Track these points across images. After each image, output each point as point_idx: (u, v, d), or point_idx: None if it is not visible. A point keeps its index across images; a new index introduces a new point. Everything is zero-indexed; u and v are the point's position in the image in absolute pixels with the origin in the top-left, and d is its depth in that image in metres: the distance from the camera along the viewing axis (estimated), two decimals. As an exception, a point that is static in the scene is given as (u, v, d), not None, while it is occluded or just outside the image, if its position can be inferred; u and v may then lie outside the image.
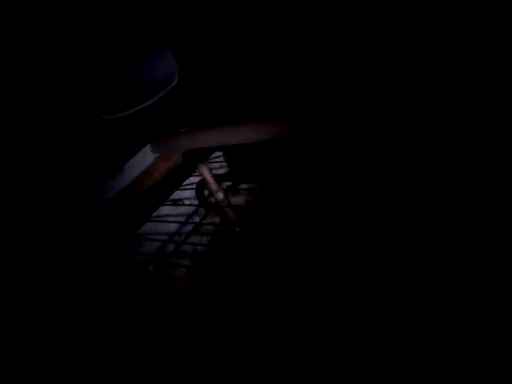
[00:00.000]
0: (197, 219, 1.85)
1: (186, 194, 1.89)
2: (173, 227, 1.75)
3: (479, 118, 0.87)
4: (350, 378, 0.96)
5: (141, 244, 1.67)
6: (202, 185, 1.79)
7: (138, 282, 1.57)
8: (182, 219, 1.79)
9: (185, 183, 1.97)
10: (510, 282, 0.85)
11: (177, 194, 1.96)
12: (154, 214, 1.79)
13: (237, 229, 1.68)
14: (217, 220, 1.81)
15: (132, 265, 1.60)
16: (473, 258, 0.91)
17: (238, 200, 2.12)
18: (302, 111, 1.13)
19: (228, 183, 2.18)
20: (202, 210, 1.87)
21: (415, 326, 0.94)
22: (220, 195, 1.66)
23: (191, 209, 1.82)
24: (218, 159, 2.13)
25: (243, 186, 2.16)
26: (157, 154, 1.87)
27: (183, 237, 1.71)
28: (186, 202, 1.86)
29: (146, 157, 1.85)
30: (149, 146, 1.83)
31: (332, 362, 1.01)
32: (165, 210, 1.80)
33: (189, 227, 1.76)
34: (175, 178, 1.93)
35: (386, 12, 1.36)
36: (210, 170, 1.65)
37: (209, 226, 1.75)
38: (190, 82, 1.82)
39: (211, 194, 1.68)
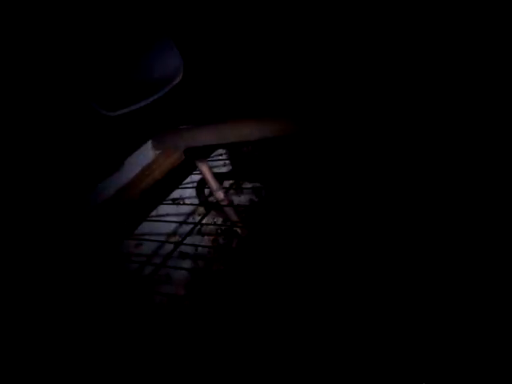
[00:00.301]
0: (197, 219, 1.79)
1: (187, 192, 1.83)
2: (172, 227, 1.69)
3: (479, 117, 0.86)
4: (350, 378, 0.96)
5: (139, 244, 1.61)
6: (202, 183, 1.72)
7: (134, 285, 1.51)
8: (181, 219, 1.73)
9: (186, 181, 1.90)
10: (510, 281, 0.85)
11: (177, 193, 1.90)
12: (152, 213, 1.73)
13: (238, 229, 1.61)
14: (218, 220, 1.75)
15: (129, 266, 1.55)
16: (473, 258, 0.91)
17: (240, 199, 2.05)
18: (307, 108, 1.08)
19: (231, 181, 2.11)
20: (203, 210, 1.81)
21: (415, 326, 0.93)
22: (220, 194, 1.59)
23: (192, 208, 1.76)
24: (220, 157, 2.06)
25: (246, 184, 2.09)
26: (158, 151, 1.81)
27: (182, 237, 1.64)
28: (187, 201, 1.79)
29: (146, 154, 1.79)
30: (150, 142, 1.77)
31: (332, 362, 1.00)
32: (164, 209, 1.74)
33: (189, 227, 1.70)
34: (176, 176, 1.87)
35: (390, 11, 1.30)
36: (210, 167, 1.58)
37: (210, 226, 1.68)
38: (193, 78, 1.77)
39: (212, 192, 1.61)
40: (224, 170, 2.07)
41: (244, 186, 2.09)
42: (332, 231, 1.42)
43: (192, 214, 1.77)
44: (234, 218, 1.62)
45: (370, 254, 1.18)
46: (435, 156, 0.96)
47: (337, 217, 1.44)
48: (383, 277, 1.09)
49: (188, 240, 1.56)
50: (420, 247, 1.03)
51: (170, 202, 1.81)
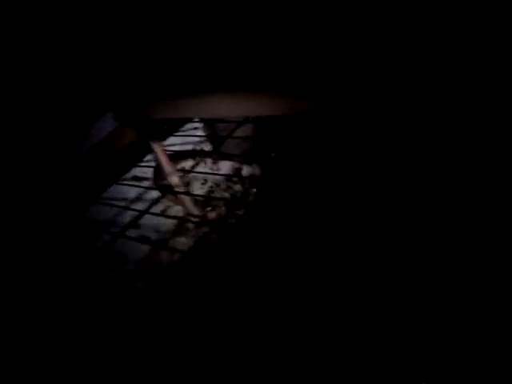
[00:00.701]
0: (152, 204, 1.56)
1: (150, 171, 1.60)
2: (121, 211, 1.48)
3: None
4: (350, 378, 0.94)
5: (83, 230, 1.42)
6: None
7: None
8: (127, 204, 1.51)
9: (149, 158, 1.68)
10: (510, 281, 0.85)
11: (141, 171, 1.67)
12: (104, 195, 1.53)
13: (192, 223, 1.38)
14: (175, 208, 1.51)
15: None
16: (473, 258, 0.91)
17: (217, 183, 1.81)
18: (325, 82, 0.89)
19: (207, 160, 1.87)
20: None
21: (415, 325, 0.93)
22: (174, 179, 1.35)
23: (151, 191, 1.53)
24: (196, 132, 1.81)
25: (225, 164, 1.84)
26: (120, 123, 1.58)
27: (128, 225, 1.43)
28: (144, 182, 1.57)
29: (106, 125, 1.58)
30: (111, 113, 1.54)
31: (332, 362, 0.98)
32: (117, 189, 1.53)
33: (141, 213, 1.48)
34: (137, 152, 1.64)
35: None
36: (163, 147, 1.34)
37: (155, 216, 1.46)
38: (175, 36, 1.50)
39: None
40: (199, 147, 1.82)
41: (220, 166, 1.85)
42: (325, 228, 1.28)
43: (148, 197, 1.54)
44: (193, 209, 1.38)
45: (370, 250, 1.14)
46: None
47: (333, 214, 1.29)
48: (383, 274, 1.06)
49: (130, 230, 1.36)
50: (421, 247, 1.02)
51: (129, 180, 1.60)
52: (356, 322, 1.02)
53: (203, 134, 1.82)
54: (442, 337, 0.88)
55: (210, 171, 1.93)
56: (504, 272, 0.87)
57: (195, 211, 1.37)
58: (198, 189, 1.93)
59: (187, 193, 1.36)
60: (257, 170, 1.93)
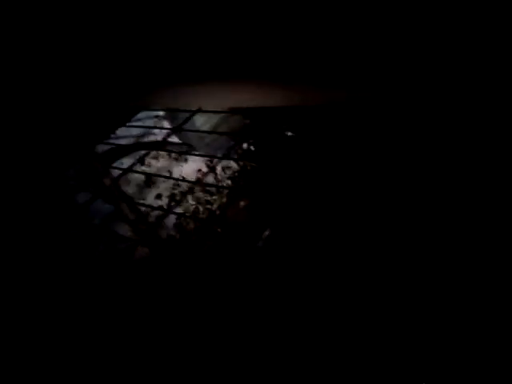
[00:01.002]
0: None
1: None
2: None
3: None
4: (350, 378, 0.95)
5: None
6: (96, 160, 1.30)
7: None
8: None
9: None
10: (510, 282, 0.85)
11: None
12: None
13: (129, 232, 1.21)
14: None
15: None
16: (473, 258, 0.91)
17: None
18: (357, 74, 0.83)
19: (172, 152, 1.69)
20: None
21: (415, 325, 0.94)
22: (107, 181, 1.18)
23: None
24: (156, 119, 1.61)
25: (193, 157, 1.65)
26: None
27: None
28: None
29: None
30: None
31: (332, 362, 0.99)
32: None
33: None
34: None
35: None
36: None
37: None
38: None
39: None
40: (160, 137, 1.63)
41: (189, 157, 1.66)
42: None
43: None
44: (127, 212, 1.21)
45: (369, 250, 1.12)
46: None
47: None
48: (383, 275, 1.05)
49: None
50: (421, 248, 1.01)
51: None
52: (357, 323, 1.02)
53: (164, 124, 1.63)
54: (442, 337, 0.89)
55: (174, 164, 1.76)
56: (504, 272, 0.87)
57: (130, 216, 1.20)
58: (162, 183, 1.76)
59: (123, 198, 1.19)
60: (230, 163, 1.74)
